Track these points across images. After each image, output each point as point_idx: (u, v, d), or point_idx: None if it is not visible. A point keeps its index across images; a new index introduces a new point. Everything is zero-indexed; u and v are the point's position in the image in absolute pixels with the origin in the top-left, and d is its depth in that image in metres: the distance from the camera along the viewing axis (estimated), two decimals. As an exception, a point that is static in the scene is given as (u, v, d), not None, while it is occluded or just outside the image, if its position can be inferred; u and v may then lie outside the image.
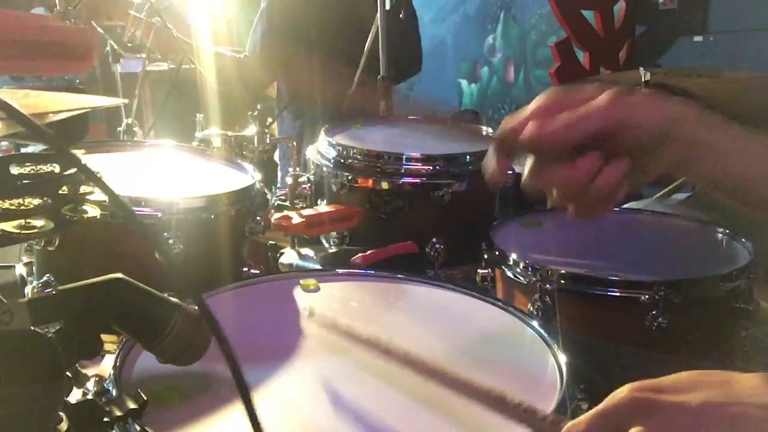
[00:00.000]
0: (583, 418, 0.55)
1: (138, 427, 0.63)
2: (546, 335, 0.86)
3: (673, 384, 0.54)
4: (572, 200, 0.69)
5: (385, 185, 1.36)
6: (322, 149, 1.46)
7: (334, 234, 1.40)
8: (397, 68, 1.90)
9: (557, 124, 0.65)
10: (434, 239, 1.35)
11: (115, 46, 2.11)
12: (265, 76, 2.32)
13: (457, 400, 0.73)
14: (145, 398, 0.62)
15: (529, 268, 1.16)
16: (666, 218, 1.46)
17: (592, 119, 0.65)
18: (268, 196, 1.41)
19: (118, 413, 0.60)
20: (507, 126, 0.69)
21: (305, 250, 1.42)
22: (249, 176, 1.30)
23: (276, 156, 2.21)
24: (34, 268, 1.15)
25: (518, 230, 1.35)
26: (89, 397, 0.67)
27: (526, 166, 0.71)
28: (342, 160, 1.40)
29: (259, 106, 1.62)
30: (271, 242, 1.43)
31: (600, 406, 0.55)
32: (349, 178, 1.37)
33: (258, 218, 1.21)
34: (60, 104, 0.59)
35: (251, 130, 1.59)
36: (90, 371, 0.73)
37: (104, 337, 0.59)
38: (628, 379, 0.56)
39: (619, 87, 0.68)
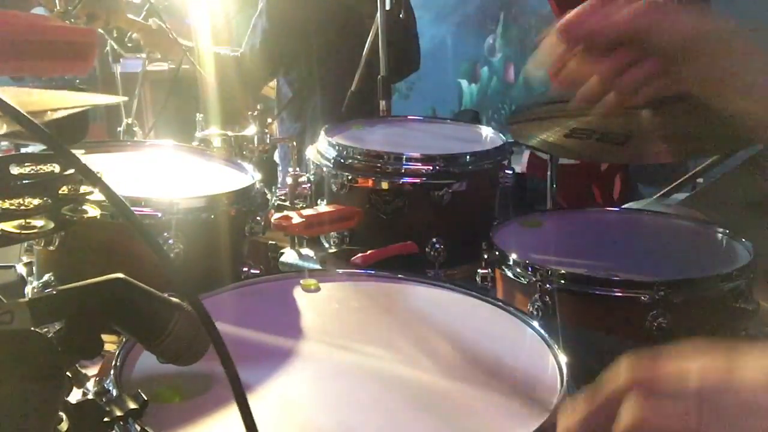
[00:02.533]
0: (580, 408, 0.55)
1: (138, 427, 0.63)
2: (546, 335, 0.86)
3: (676, 368, 0.53)
4: (604, 90, 0.77)
5: (385, 185, 1.36)
6: (322, 149, 1.46)
7: (334, 234, 1.40)
8: (395, 67, 1.89)
9: (595, 25, 0.74)
10: (434, 239, 1.35)
11: (115, 46, 2.11)
12: (264, 73, 2.32)
13: (457, 401, 0.73)
14: (146, 398, 0.62)
15: (529, 268, 1.16)
16: (666, 218, 1.46)
17: (626, 23, 0.73)
18: (268, 196, 1.41)
19: (119, 413, 0.60)
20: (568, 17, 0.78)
21: (305, 250, 1.42)
22: (249, 176, 1.30)
23: (276, 156, 2.21)
24: (34, 268, 1.15)
25: (518, 230, 1.35)
26: (89, 397, 0.67)
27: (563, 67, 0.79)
28: (342, 160, 1.40)
29: (259, 106, 1.62)
30: (271, 242, 1.43)
31: (599, 394, 0.54)
32: (349, 178, 1.37)
33: (258, 218, 1.21)
34: (60, 102, 0.59)
35: (251, 130, 1.59)
36: (90, 371, 0.73)
37: (104, 337, 0.59)
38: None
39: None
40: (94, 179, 0.44)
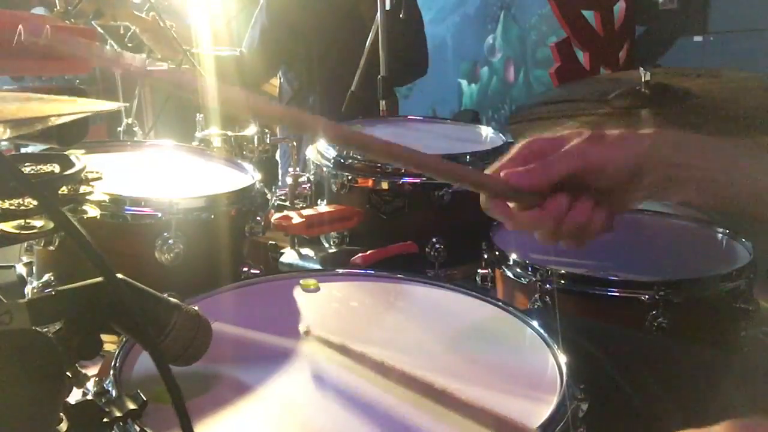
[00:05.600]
0: None
1: (137, 428, 0.63)
2: (546, 335, 0.86)
3: None
4: (549, 238, 0.74)
5: (385, 185, 1.36)
6: (322, 149, 1.46)
7: (334, 234, 1.40)
8: (404, 71, 1.90)
9: (531, 170, 0.70)
10: (434, 239, 1.35)
11: (115, 46, 2.11)
12: (262, 71, 2.32)
13: (457, 401, 0.73)
14: (145, 399, 0.62)
15: (529, 268, 1.17)
16: (666, 218, 1.46)
17: (563, 164, 0.70)
18: (268, 196, 1.41)
19: (118, 414, 0.60)
20: (490, 174, 0.74)
21: (305, 250, 1.42)
22: (249, 176, 1.30)
23: (277, 156, 2.21)
24: (34, 268, 1.15)
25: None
26: (89, 397, 0.67)
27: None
28: (342, 160, 1.40)
29: (259, 106, 1.61)
30: (271, 242, 1.43)
31: None
32: (349, 178, 1.37)
33: (258, 218, 1.21)
34: (61, 109, 0.59)
35: (251, 130, 1.59)
36: (90, 371, 0.73)
37: (104, 337, 0.59)
38: (628, 378, 0.56)
39: (592, 131, 0.72)
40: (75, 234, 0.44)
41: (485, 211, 0.75)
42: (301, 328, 0.88)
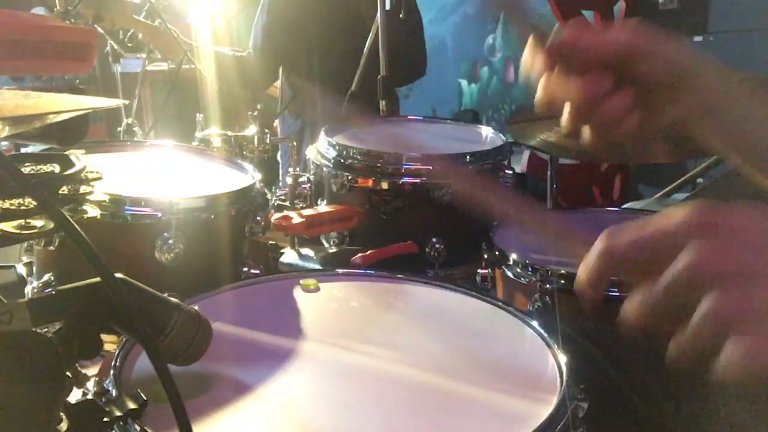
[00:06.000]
0: (628, 232, 0.50)
1: (137, 427, 0.63)
2: (546, 335, 0.86)
3: (743, 216, 0.48)
4: (583, 118, 0.71)
5: (385, 185, 1.36)
6: (322, 149, 1.46)
7: (334, 234, 1.40)
8: (402, 72, 1.89)
9: (586, 42, 0.68)
10: (434, 239, 1.35)
11: (115, 46, 2.11)
12: (266, 74, 2.32)
13: (457, 401, 0.73)
14: (145, 398, 0.62)
15: (529, 268, 1.17)
16: (666, 218, 1.45)
17: (619, 38, 0.68)
18: (268, 196, 1.41)
19: (118, 413, 0.60)
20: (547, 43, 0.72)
21: (305, 250, 1.42)
22: (249, 176, 1.30)
23: (278, 156, 2.22)
24: (34, 268, 1.15)
25: (518, 230, 1.35)
26: (89, 397, 0.67)
27: (541, 84, 0.73)
28: (342, 160, 1.40)
29: (259, 106, 1.62)
30: (271, 242, 1.43)
31: (652, 224, 0.49)
32: (349, 178, 1.37)
33: (258, 218, 1.21)
34: (60, 105, 0.59)
35: (251, 130, 1.59)
36: (90, 371, 0.73)
37: (104, 337, 0.59)
38: (628, 378, 0.56)
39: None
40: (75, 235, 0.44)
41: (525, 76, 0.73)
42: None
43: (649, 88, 0.69)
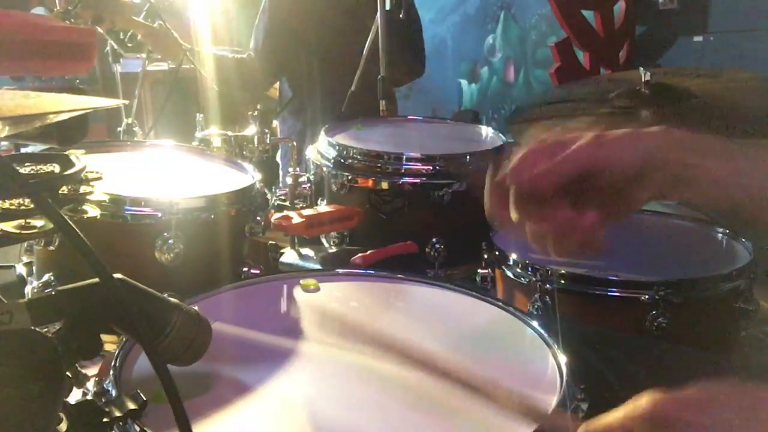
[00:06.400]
0: (600, 426, 0.55)
1: (137, 428, 0.63)
2: (546, 335, 0.86)
3: (697, 400, 0.55)
4: (548, 250, 0.72)
5: (385, 185, 1.36)
6: (322, 149, 1.46)
7: (334, 234, 1.40)
8: (401, 72, 1.89)
9: (539, 170, 0.68)
10: (434, 239, 1.35)
11: (115, 46, 2.11)
12: (267, 75, 2.32)
13: (457, 401, 0.73)
14: (145, 399, 0.62)
15: (529, 268, 1.16)
16: (666, 218, 1.46)
17: (570, 165, 0.68)
18: (268, 196, 1.41)
19: (118, 414, 0.60)
20: (499, 175, 0.72)
21: (305, 250, 1.42)
22: (249, 176, 1.30)
23: (278, 157, 2.21)
24: (34, 268, 1.15)
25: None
26: (89, 397, 0.67)
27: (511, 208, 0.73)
28: (342, 160, 1.40)
29: (259, 106, 1.62)
30: (271, 242, 1.43)
31: (619, 415, 0.56)
32: (349, 178, 1.37)
33: (258, 218, 1.21)
34: (60, 106, 0.59)
35: (251, 130, 1.59)
36: (90, 371, 0.73)
37: (104, 337, 0.59)
38: (629, 378, 0.56)
39: (597, 131, 0.70)
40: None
41: (488, 217, 0.73)
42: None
43: (614, 188, 0.69)
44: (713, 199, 0.69)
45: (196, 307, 0.68)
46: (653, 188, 0.69)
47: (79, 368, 0.68)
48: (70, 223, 0.45)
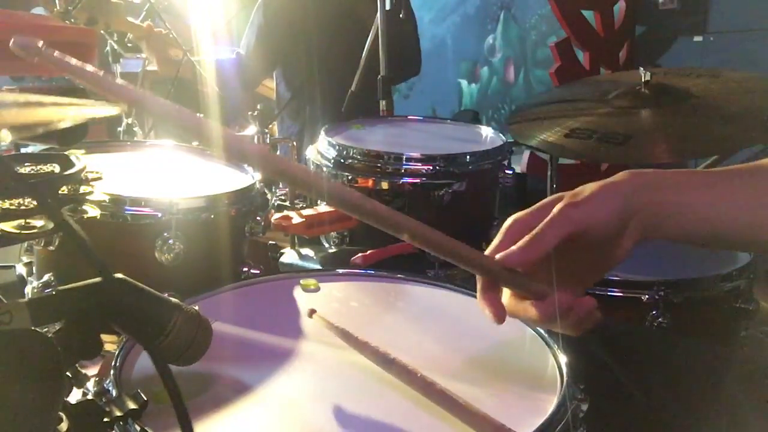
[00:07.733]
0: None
1: (138, 427, 0.63)
2: (546, 335, 0.86)
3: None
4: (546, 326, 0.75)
5: (385, 185, 1.36)
6: (322, 149, 1.46)
7: (334, 234, 1.40)
8: (395, 69, 1.89)
9: (516, 251, 0.69)
10: (434, 239, 1.34)
11: (115, 46, 2.11)
12: (259, 69, 2.32)
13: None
14: (145, 398, 0.62)
15: (529, 268, 1.16)
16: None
17: (552, 233, 0.68)
18: (268, 196, 1.41)
19: (118, 413, 0.60)
20: (481, 264, 0.73)
21: (305, 250, 1.41)
22: (249, 176, 1.30)
23: (277, 156, 2.21)
24: (34, 268, 1.15)
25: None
26: (89, 397, 0.67)
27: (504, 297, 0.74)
28: (342, 160, 1.40)
29: (259, 106, 1.61)
30: (271, 242, 1.43)
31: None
32: (349, 178, 1.37)
33: (258, 218, 1.21)
34: (63, 115, 0.59)
35: (251, 130, 1.59)
36: (90, 371, 0.73)
37: (104, 337, 0.59)
38: (631, 375, 0.56)
39: (569, 193, 0.71)
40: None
41: (480, 301, 0.73)
42: (307, 310, 0.88)
43: (599, 245, 0.70)
44: (693, 233, 0.69)
45: (196, 307, 0.68)
46: (636, 235, 0.69)
47: (79, 368, 0.68)
48: (71, 222, 0.45)
